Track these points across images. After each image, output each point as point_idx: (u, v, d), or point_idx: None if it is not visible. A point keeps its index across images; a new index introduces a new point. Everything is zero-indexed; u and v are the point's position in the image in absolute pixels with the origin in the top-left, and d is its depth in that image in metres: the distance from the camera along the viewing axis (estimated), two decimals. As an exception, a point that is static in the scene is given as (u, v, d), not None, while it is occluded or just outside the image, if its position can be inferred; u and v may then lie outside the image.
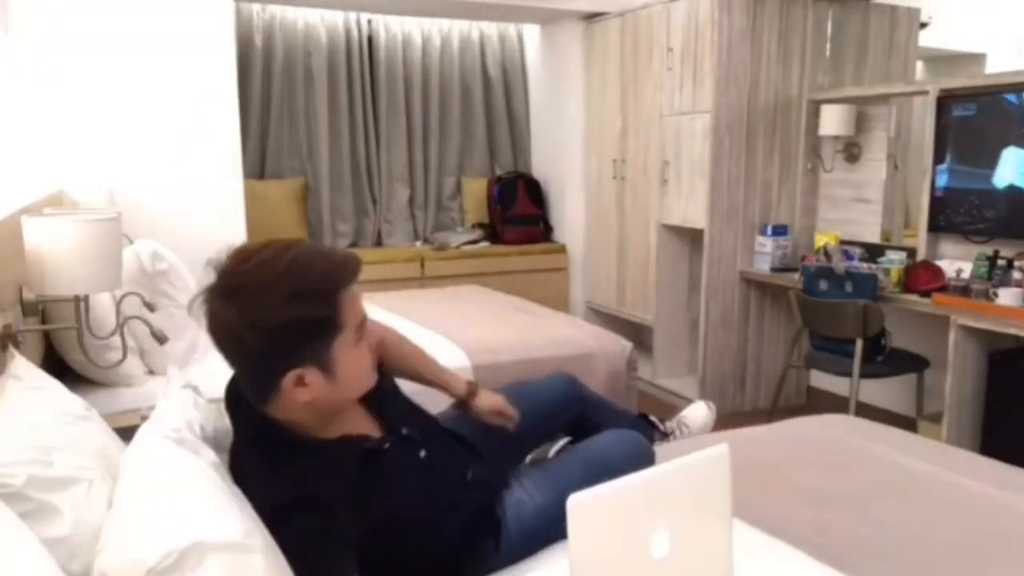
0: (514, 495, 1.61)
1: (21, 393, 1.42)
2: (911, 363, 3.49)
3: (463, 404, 1.74)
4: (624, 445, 1.75)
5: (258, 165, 4.81)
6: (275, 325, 1.22)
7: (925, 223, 3.53)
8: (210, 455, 1.32)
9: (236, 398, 1.37)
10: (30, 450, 1.21)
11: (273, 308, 1.22)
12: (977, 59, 5.02)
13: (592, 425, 1.98)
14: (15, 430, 1.25)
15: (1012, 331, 2.88)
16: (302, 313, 1.23)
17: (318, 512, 1.23)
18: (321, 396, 1.30)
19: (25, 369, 1.54)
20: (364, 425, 1.43)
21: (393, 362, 1.70)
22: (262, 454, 1.29)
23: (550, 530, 1.50)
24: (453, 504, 1.45)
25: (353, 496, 1.28)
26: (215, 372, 2.56)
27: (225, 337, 1.26)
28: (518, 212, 5.17)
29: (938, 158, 3.43)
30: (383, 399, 1.49)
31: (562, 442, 1.99)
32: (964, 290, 3.13)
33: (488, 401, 1.73)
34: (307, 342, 1.26)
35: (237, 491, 1.24)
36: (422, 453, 1.45)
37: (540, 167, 5.41)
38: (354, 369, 1.33)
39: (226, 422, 1.45)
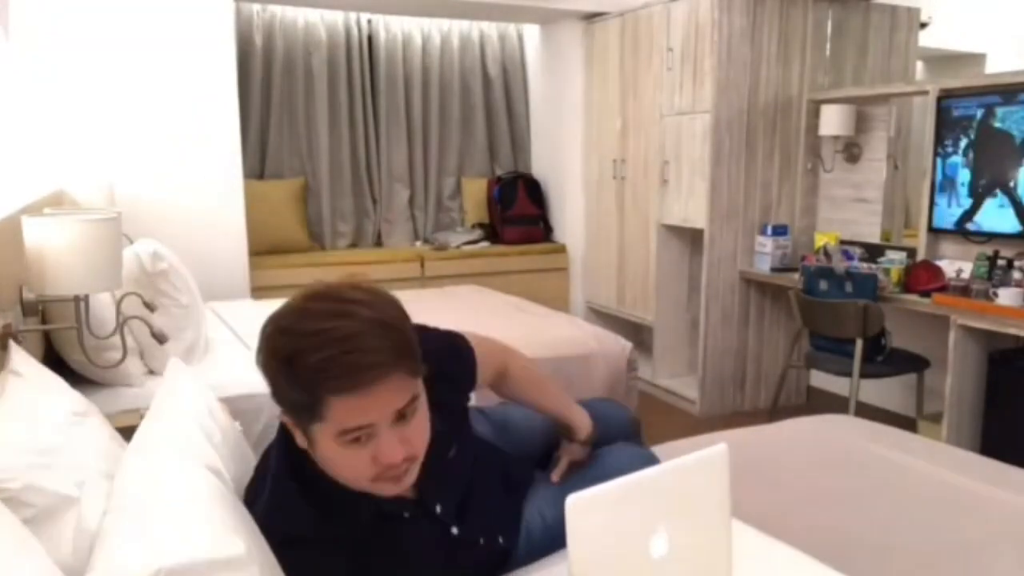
0: (523, 515, 1.56)
1: (20, 390, 1.42)
2: (911, 363, 3.49)
3: (569, 439, 1.65)
4: (636, 463, 1.73)
5: (258, 165, 4.81)
6: (266, 369, 1.13)
7: (925, 223, 3.53)
8: (216, 463, 1.28)
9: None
10: (29, 452, 1.20)
11: (270, 355, 1.12)
12: (977, 59, 5.03)
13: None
14: (14, 430, 1.24)
15: (1012, 331, 2.88)
16: (281, 382, 1.12)
17: (310, 552, 1.18)
18: (312, 453, 1.18)
19: (25, 365, 1.54)
20: (400, 489, 1.23)
21: (510, 391, 1.63)
22: (281, 480, 1.21)
23: (557, 544, 1.44)
24: (473, 570, 1.40)
25: (356, 551, 1.21)
26: (215, 371, 2.57)
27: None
28: (518, 212, 5.17)
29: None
30: (434, 470, 1.28)
31: None
32: (964, 290, 3.13)
33: (580, 453, 1.63)
34: (286, 406, 1.15)
35: (241, 507, 1.20)
36: (454, 530, 1.34)
37: (540, 167, 5.41)
38: (338, 462, 1.15)
39: (235, 425, 1.42)
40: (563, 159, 5.10)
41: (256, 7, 4.71)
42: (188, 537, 1.03)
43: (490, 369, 1.58)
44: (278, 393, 1.13)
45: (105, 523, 1.14)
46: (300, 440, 1.17)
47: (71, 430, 1.36)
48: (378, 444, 1.11)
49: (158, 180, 3.75)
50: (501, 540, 1.45)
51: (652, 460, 1.74)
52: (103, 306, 2.33)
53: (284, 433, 1.22)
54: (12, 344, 1.64)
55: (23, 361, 1.54)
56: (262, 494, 1.23)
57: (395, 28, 5.08)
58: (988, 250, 3.22)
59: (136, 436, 1.35)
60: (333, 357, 1.07)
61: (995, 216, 3.28)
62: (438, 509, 1.31)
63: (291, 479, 1.21)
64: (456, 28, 5.24)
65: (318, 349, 1.07)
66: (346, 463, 1.14)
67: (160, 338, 2.30)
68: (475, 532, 1.38)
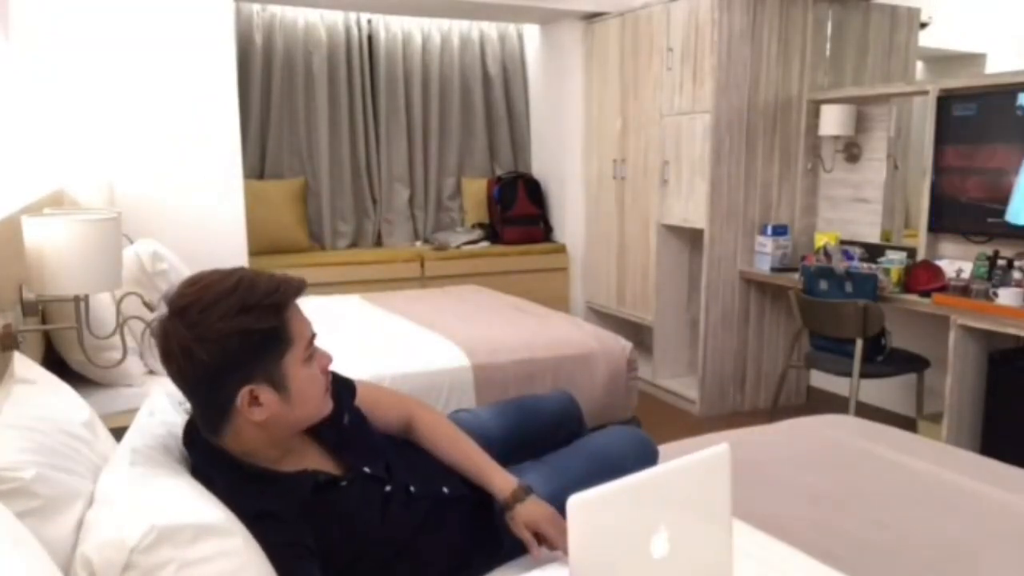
0: None
1: (24, 392, 1.42)
2: (911, 363, 3.49)
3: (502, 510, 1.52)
4: (628, 440, 1.75)
5: (258, 165, 4.81)
6: (225, 336, 1.23)
7: (925, 223, 3.53)
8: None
9: (193, 437, 1.37)
10: (34, 451, 1.21)
11: (222, 320, 1.23)
12: (977, 59, 5.02)
13: None
14: (18, 430, 1.25)
15: (1012, 331, 2.88)
16: (250, 325, 1.25)
17: (279, 524, 1.25)
18: (276, 416, 1.30)
19: (27, 368, 1.54)
20: (323, 464, 1.41)
21: (425, 444, 1.61)
22: (222, 481, 1.29)
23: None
24: (431, 526, 1.45)
25: (310, 522, 1.29)
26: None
27: (175, 355, 1.25)
28: (518, 212, 5.17)
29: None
30: (344, 439, 1.47)
31: None
32: (964, 290, 3.13)
33: (527, 513, 1.46)
34: (257, 355, 1.27)
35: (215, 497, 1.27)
36: (387, 488, 1.43)
37: (540, 167, 5.41)
38: (307, 387, 1.33)
39: None
40: (563, 159, 5.10)
41: (256, 7, 4.71)
42: (178, 504, 1.15)
43: (392, 411, 1.64)
44: (247, 352, 1.26)
45: (98, 493, 1.21)
46: (258, 413, 1.28)
47: (74, 432, 1.37)
48: (319, 357, 1.37)
49: (158, 180, 3.74)
50: (446, 490, 1.51)
51: (645, 442, 1.75)
52: (103, 306, 2.33)
53: (193, 436, 1.36)
54: (15, 349, 1.64)
55: (26, 367, 1.54)
56: (214, 483, 1.29)
57: (395, 28, 5.08)
58: (988, 250, 3.22)
59: (123, 440, 1.38)
60: (272, 278, 1.31)
61: None
62: (367, 470, 1.43)
63: (236, 466, 1.32)
64: (456, 28, 5.24)
65: (255, 284, 1.28)
66: (314, 382, 1.35)
67: (160, 338, 2.29)
68: (407, 484, 1.46)
